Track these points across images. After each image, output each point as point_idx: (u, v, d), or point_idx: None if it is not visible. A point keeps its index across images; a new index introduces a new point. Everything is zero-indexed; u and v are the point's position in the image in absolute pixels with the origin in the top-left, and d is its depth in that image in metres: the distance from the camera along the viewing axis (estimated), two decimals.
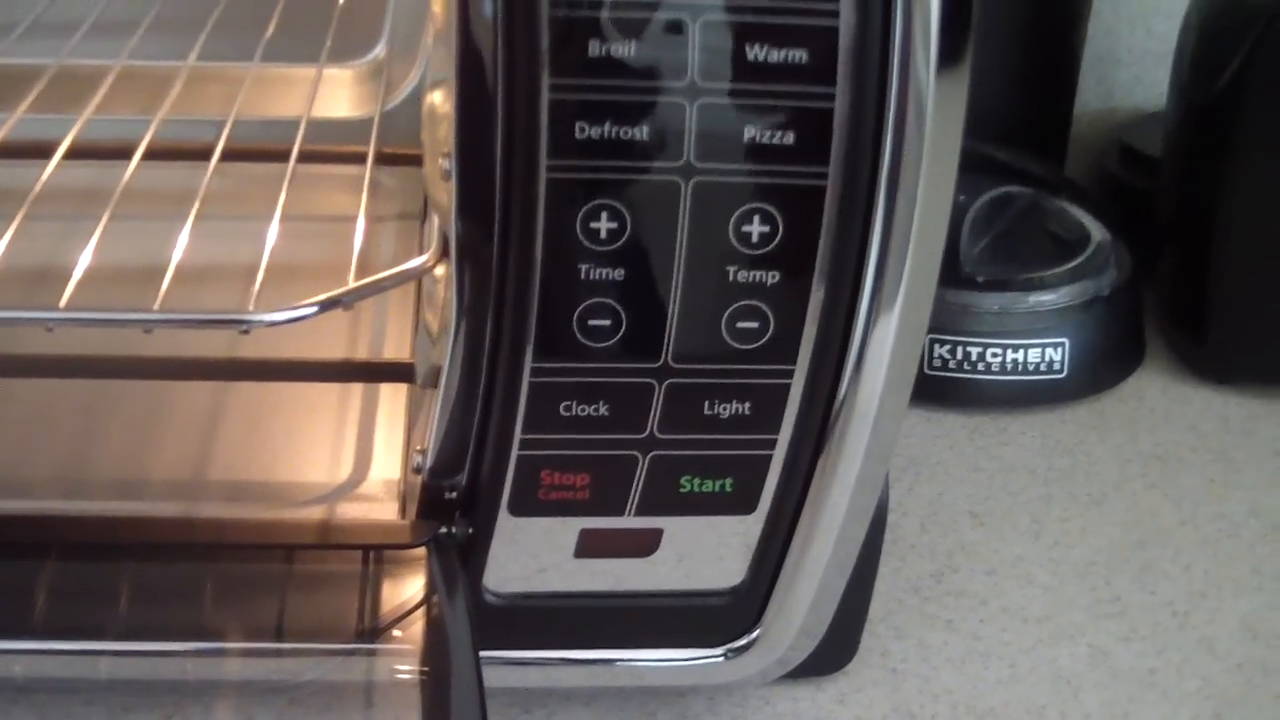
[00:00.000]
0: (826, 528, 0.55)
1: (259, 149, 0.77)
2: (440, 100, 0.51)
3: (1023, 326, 0.81)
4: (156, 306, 0.53)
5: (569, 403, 0.51)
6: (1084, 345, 0.83)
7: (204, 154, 0.74)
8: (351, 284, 0.53)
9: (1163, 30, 1.06)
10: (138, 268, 0.68)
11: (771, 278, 0.49)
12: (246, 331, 0.51)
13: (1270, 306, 0.83)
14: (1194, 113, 0.86)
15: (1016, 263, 0.83)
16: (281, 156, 0.74)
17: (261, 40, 0.84)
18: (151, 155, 0.74)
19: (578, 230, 0.48)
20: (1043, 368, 0.82)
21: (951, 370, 0.81)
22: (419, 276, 0.54)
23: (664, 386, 0.51)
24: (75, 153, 0.75)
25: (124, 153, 0.75)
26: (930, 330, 0.77)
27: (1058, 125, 1.01)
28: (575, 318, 0.49)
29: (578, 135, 0.47)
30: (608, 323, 0.49)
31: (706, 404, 0.51)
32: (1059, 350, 0.82)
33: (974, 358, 0.81)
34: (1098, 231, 0.87)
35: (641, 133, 0.47)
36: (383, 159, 0.77)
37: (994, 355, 0.81)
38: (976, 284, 0.80)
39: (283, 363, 0.63)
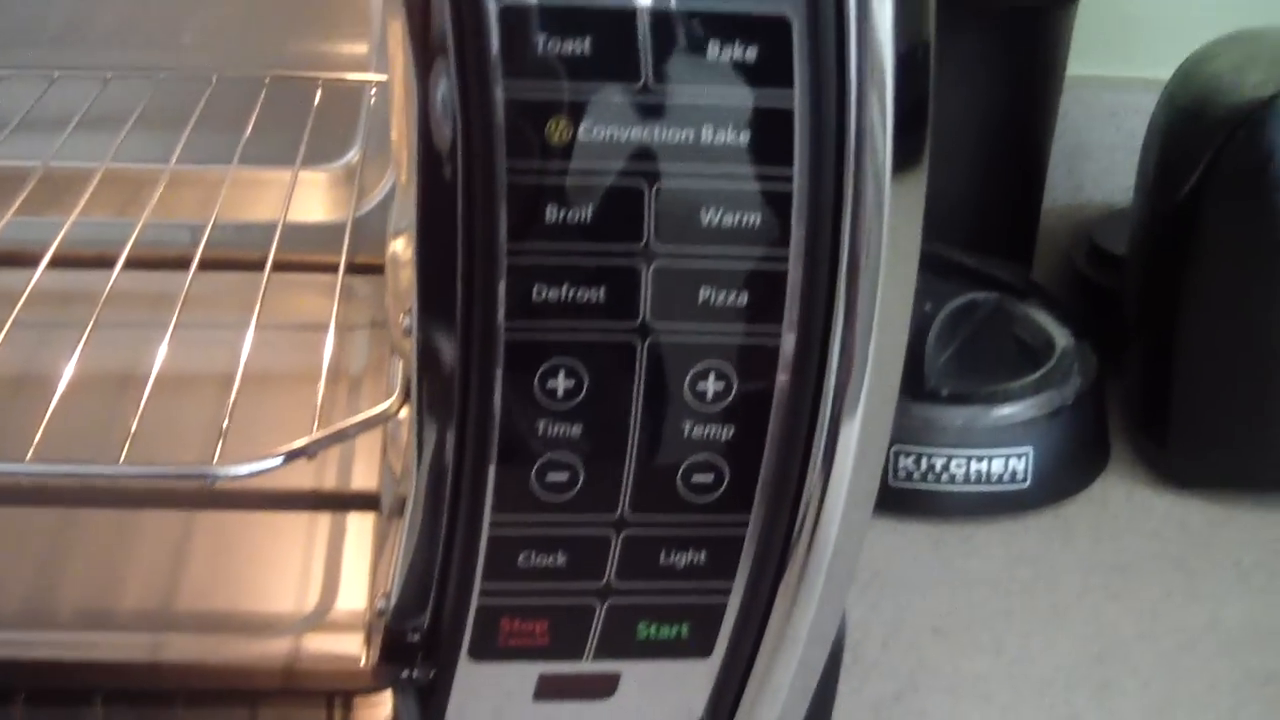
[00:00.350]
0: (786, 659, 0.56)
1: (234, 258, 0.78)
2: (403, 248, 0.52)
3: (987, 438, 0.82)
4: (122, 459, 0.53)
5: (528, 553, 0.51)
6: (1048, 454, 0.83)
7: (182, 262, 0.75)
8: (315, 435, 0.53)
9: (1131, 126, 1.07)
10: (116, 375, 0.69)
11: (726, 432, 0.50)
12: (211, 484, 0.52)
13: (1229, 412, 0.84)
14: (1157, 217, 0.87)
15: (981, 373, 0.84)
16: (256, 265, 0.74)
17: (240, 141, 0.84)
18: (131, 264, 0.75)
19: (535, 388, 0.48)
20: (1006, 478, 0.82)
21: (916, 481, 0.82)
22: (384, 422, 0.54)
23: (621, 537, 0.51)
24: (57, 260, 0.75)
25: (105, 260, 0.75)
26: (895, 441, 0.79)
27: (1026, 221, 1.02)
28: (534, 472, 0.50)
29: (535, 298, 0.47)
30: (565, 477, 0.50)
31: (663, 554, 0.52)
32: (1023, 460, 0.82)
33: (938, 469, 0.81)
34: (1062, 337, 0.88)
35: (598, 295, 0.47)
36: (354, 269, 0.78)
37: (958, 466, 0.82)
38: (941, 398, 0.81)
39: (250, 493, 0.63)
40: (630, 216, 0.47)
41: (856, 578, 0.53)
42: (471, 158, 0.45)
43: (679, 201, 0.47)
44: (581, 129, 0.45)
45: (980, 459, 0.82)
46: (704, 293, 0.48)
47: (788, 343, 0.49)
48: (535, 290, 0.47)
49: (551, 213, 0.46)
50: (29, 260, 0.77)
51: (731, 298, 0.48)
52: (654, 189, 0.46)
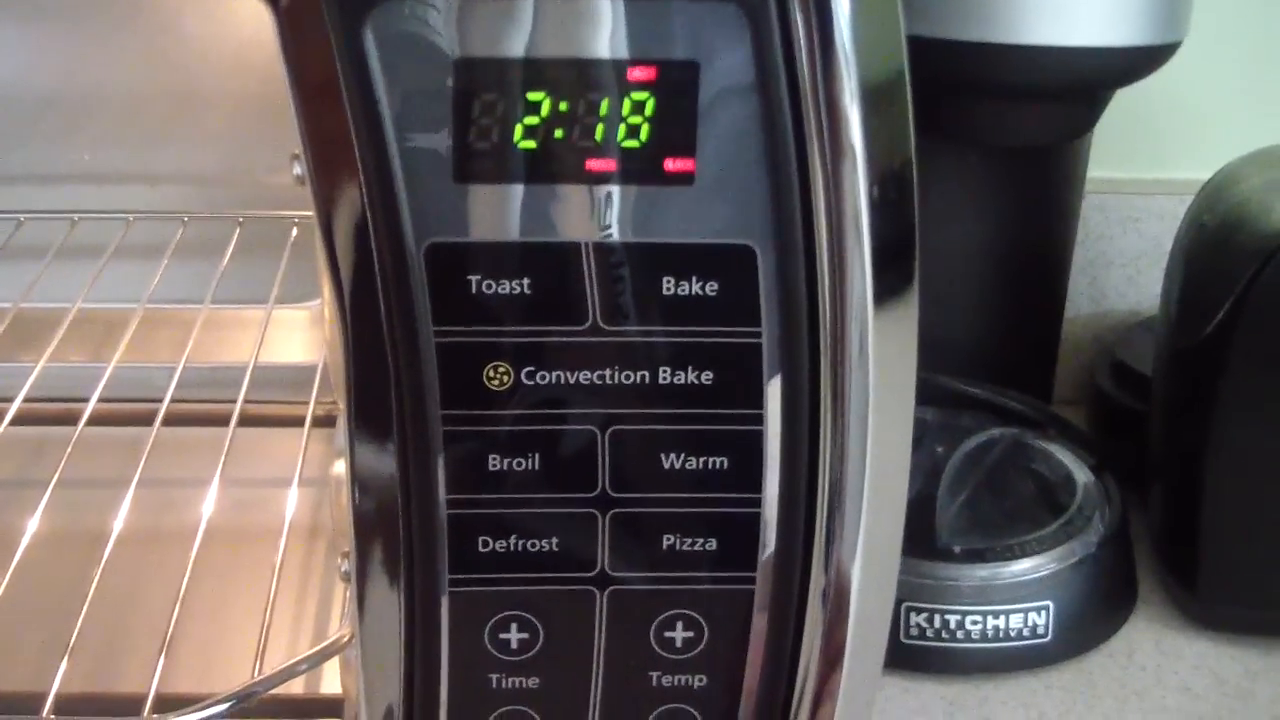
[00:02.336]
0: None
1: (200, 413, 0.74)
2: (343, 472, 0.47)
3: (1005, 595, 0.76)
4: (55, 684, 0.49)
5: None
6: (1071, 606, 0.78)
7: (148, 418, 0.71)
8: (261, 676, 0.49)
9: (1155, 231, 1.02)
10: (82, 534, 0.66)
11: (698, 680, 0.45)
12: None
13: (1263, 551, 0.79)
14: (1183, 349, 0.82)
15: (997, 522, 0.79)
16: (222, 420, 0.71)
17: (213, 280, 0.80)
18: (99, 418, 0.71)
19: (486, 641, 0.44)
20: (1026, 633, 0.77)
21: (929, 639, 0.77)
22: (336, 653, 0.50)
23: None
24: (28, 414, 0.72)
25: (72, 417, 0.72)
26: (906, 599, 0.74)
27: (1046, 345, 0.97)
28: None
29: (480, 549, 0.43)
30: None
31: None
32: (1043, 614, 0.77)
33: (952, 626, 0.76)
34: (1082, 474, 0.83)
35: (549, 545, 0.43)
36: (320, 422, 0.74)
37: (974, 623, 0.77)
38: (954, 555, 0.76)
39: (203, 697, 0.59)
40: (583, 463, 0.42)
41: None
42: (404, 404, 0.41)
43: (635, 445, 0.42)
44: (523, 374, 0.41)
45: (998, 615, 0.77)
46: (668, 540, 0.43)
47: (764, 582, 0.44)
48: (480, 543, 0.43)
49: (494, 461, 0.42)
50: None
51: (699, 544, 0.43)
52: (607, 434, 0.41)
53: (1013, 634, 0.76)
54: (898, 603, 0.74)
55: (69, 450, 0.70)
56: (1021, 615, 0.76)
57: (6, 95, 0.88)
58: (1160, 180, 1.02)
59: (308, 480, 0.73)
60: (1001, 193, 0.87)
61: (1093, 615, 0.79)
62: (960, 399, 0.85)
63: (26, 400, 0.74)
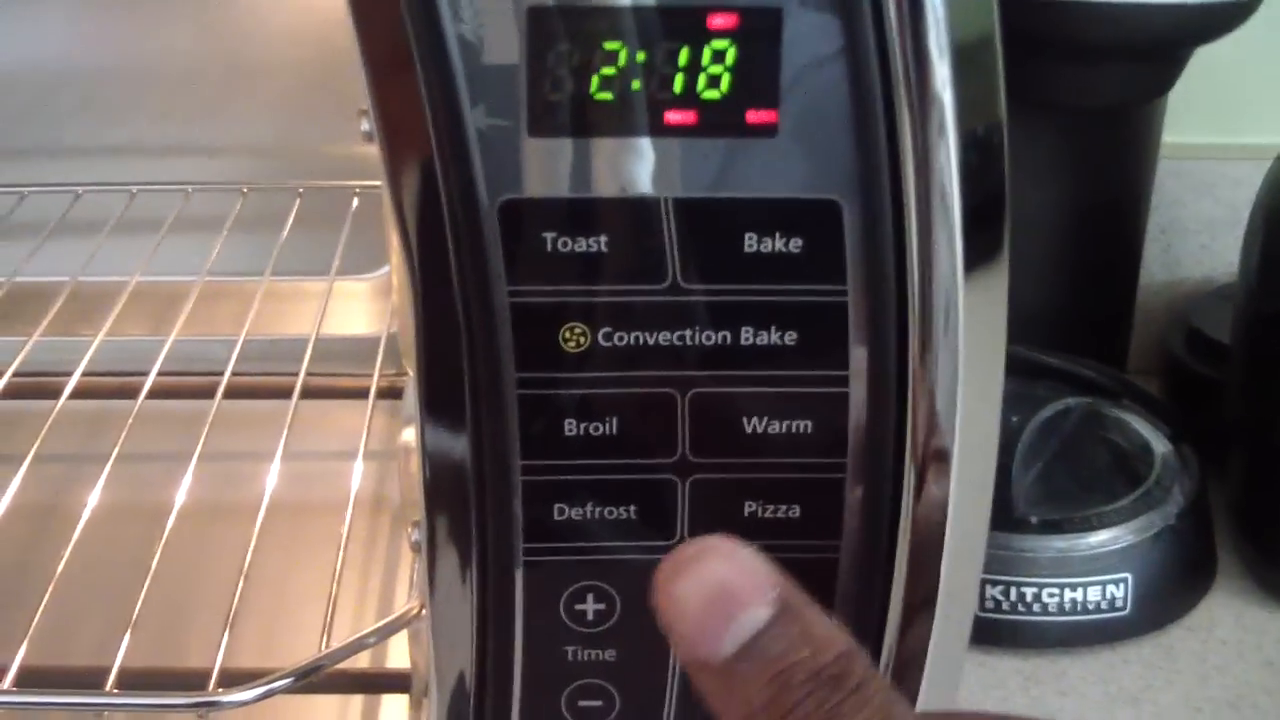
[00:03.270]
0: None
1: (261, 385, 0.73)
2: (413, 440, 0.46)
3: (1082, 567, 0.75)
4: (117, 665, 0.48)
5: None
6: (1149, 578, 0.76)
7: (209, 391, 0.70)
8: (329, 649, 0.47)
9: (1230, 197, 0.99)
10: (144, 509, 0.65)
11: None
12: (203, 716, 0.46)
13: None
14: (1263, 313, 0.79)
15: (1073, 492, 0.77)
16: (284, 393, 0.69)
17: (273, 252, 0.79)
18: (156, 394, 0.70)
19: (561, 612, 0.42)
20: (1104, 606, 0.76)
21: (1005, 612, 0.75)
22: (405, 626, 0.49)
23: None
24: (87, 387, 0.71)
25: (131, 390, 0.71)
26: (982, 572, 0.72)
27: (1120, 313, 0.94)
28: (563, 700, 0.44)
29: (556, 518, 0.41)
30: (599, 704, 0.44)
31: None
32: (1121, 586, 0.76)
33: (1029, 599, 0.75)
34: (1159, 443, 0.81)
35: (628, 513, 0.41)
36: (384, 394, 0.72)
37: (1050, 595, 0.75)
38: (1030, 526, 0.74)
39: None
40: (662, 427, 0.40)
41: None
42: (477, 368, 0.39)
43: (717, 409, 0.40)
44: (600, 335, 0.39)
45: (1075, 588, 0.75)
46: (750, 506, 0.41)
47: (848, 551, 0.43)
48: (556, 510, 0.41)
49: (570, 426, 0.40)
50: (57, 386, 0.74)
51: (782, 511, 0.41)
52: (687, 397, 0.40)
53: (1090, 607, 0.74)
54: None
55: (129, 424, 0.69)
56: (1099, 588, 0.74)
57: (63, 69, 0.87)
58: (1236, 145, 0.99)
59: (371, 453, 0.72)
60: (1076, 158, 0.85)
61: (1172, 588, 0.77)
62: (1034, 368, 0.83)
63: (85, 374, 0.73)
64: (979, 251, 0.40)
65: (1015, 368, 0.82)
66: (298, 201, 0.82)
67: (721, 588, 0.31)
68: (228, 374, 0.72)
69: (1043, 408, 0.80)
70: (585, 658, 0.43)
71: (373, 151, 0.39)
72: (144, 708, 0.50)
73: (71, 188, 0.84)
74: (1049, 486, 0.77)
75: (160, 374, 0.73)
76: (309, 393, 0.72)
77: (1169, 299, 1.02)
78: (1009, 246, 0.41)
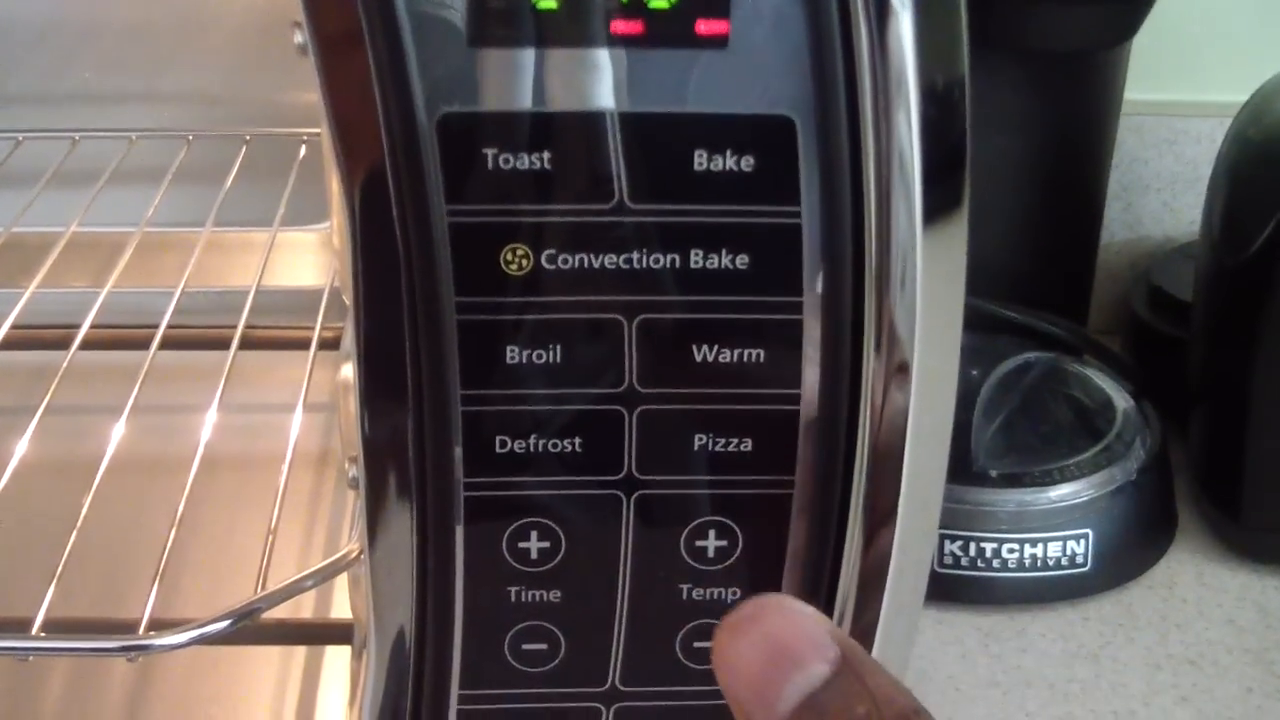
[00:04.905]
0: None
1: (200, 337, 0.71)
2: (352, 376, 0.44)
3: (1042, 522, 0.73)
4: (42, 613, 0.46)
5: None
6: (1110, 535, 0.75)
7: (146, 343, 0.68)
8: (264, 591, 0.46)
9: (1192, 154, 0.98)
10: (77, 462, 0.63)
11: (732, 594, 0.42)
12: (134, 659, 0.44)
13: None
14: (1226, 269, 0.78)
15: (1034, 447, 0.76)
16: (224, 345, 0.67)
17: (216, 202, 0.77)
18: (90, 345, 0.68)
19: (504, 550, 0.41)
20: (1064, 562, 0.74)
21: (964, 568, 0.74)
22: (345, 569, 0.47)
23: (612, 711, 0.44)
24: (13, 343, 0.69)
25: (63, 342, 0.69)
26: (941, 526, 0.70)
27: (1081, 268, 0.93)
28: (507, 642, 0.42)
29: (498, 450, 0.39)
30: (544, 646, 0.42)
31: None
32: (1082, 542, 0.74)
33: (988, 554, 0.73)
34: (1121, 399, 0.80)
35: (573, 446, 0.39)
36: (327, 345, 0.71)
37: (1010, 551, 0.73)
38: (990, 480, 0.73)
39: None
40: (608, 355, 0.39)
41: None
42: (415, 293, 0.37)
43: (665, 336, 0.38)
44: (544, 257, 0.37)
45: (1035, 543, 0.74)
46: (700, 440, 0.40)
47: (803, 485, 0.41)
48: (498, 441, 0.39)
49: (512, 353, 0.38)
50: None
51: (734, 444, 0.40)
52: (634, 323, 0.38)
53: (1051, 563, 0.73)
54: None
55: (60, 375, 0.67)
56: (1060, 543, 0.73)
57: (7, 17, 0.85)
58: (1198, 102, 0.98)
59: (315, 405, 0.70)
60: (1038, 108, 0.84)
61: (1133, 544, 0.76)
62: (995, 322, 0.82)
63: (20, 326, 0.71)
64: (939, 180, 0.39)
65: (976, 321, 0.81)
66: (244, 149, 0.80)
67: (779, 646, 0.29)
68: (163, 325, 0.70)
69: (1003, 362, 0.79)
70: (529, 599, 0.42)
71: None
72: (71, 652, 0.48)
73: (11, 134, 0.81)
74: (1009, 440, 0.76)
75: (96, 326, 0.71)
76: (249, 344, 0.70)
77: (1131, 257, 1.01)
78: (970, 169, 0.39)
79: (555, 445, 0.40)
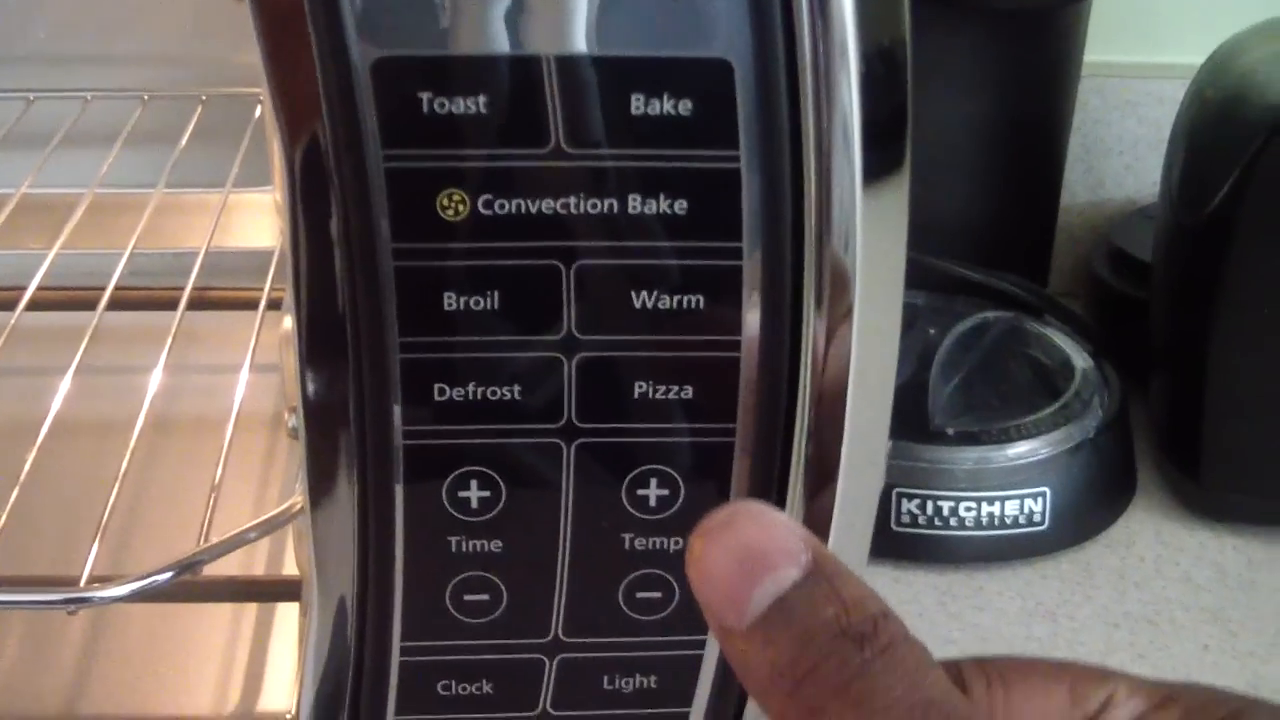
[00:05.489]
0: None
1: (148, 299, 0.70)
2: (292, 328, 0.44)
3: (1000, 480, 0.73)
4: None
5: (447, 681, 0.44)
6: (1068, 493, 0.75)
7: (92, 304, 0.67)
8: (206, 544, 0.45)
9: (1155, 116, 0.98)
10: (19, 423, 0.62)
11: (674, 544, 0.42)
12: (74, 612, 0.44)
13: (1268, 439, 0.76)
14: (1185, 227, 0.78)
15: (992, 405, 0.76)
16: (172, 305, 0.67)
17: (168, 163, 0.76)
18: (35, 307, 0.67)
19: (444, 499, 0.40)
20: (1022, 520, 0.74)
21: (921, 527, 0.74)
22: (289, 521, 0.46)
23: (555, 662, 0.44)
24: None
25: (11, 304, 0.68)
26: (898, 485, 0.70)
27: (1042, 229, 0.93)
28: (448, 592, 0.42)
29: (436, 398, 0.39)
30: (486, 597, 0.42)
31: (606, 679, 0.44)
32: (1039, 501, 0.74)
33: (945, 513, 0.73)
34: (1081, 358, 0.80)
35: (512, 393, 0.39)
36: (275, 305, 0.70)
37: (968, 510, 0.73)
38: (947, 438, 0.73)
39: None
40: (546, 302, 0.38)
41: None
42: (351, 239, 0.37)
43: (604, 282, 0.38)
44: (480, 202, 0.37)
45: (992, 502, 0.74)
46: (640, 387, 0.39)
47: (744, 434, 0.41)
48: (436, 390, 0.39)
49: (450, 301, 0.38)
50: None
51: (674, 391, 0.40)
52: (572, 269, 0.38)
53: (1008, 521, 0.73)
54: (888, 488, 0.71)
55: (5, 335, 0.66)
56: (1017, 502, 0.73)
57: None
58: (1159, 65, 0.98)
59: (267, 366, 0.69)
60: (998, 68, 0.84)
61: (1091, 503, 0.76)
62: (953, 282, 0.82)
63: None
64: (881, 140, 0.39)
65: (935, 281, 0.81)
66: (199, 110, 0.79)
67: (751, 551, 0.30)
68: (111, 285, 0.69)
69: (962, 321, 0.79)
70: (470, 549, 0.42)
71: None
72: (12, 605, 0.47)
73: None
74: (967, 399, 0.76)
75: (44, 287, 0.70)
76: (199, 305, 0.70)
77: (1092, 220, 1.01)
78: (911, 128, 0.39)
79: (494, 393, 0.40)
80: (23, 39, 0.85)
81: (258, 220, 0.82)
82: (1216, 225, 0.75)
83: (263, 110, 0.80)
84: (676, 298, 0.39)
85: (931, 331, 0.79)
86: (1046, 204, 0.93)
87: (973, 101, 0.86)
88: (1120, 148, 1.01)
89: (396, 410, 0.40)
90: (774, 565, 0.30)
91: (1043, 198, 0.93)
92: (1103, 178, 1.02)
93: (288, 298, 0.46)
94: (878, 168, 0.39)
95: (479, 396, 0.40)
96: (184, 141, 0.77)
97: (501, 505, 0.41)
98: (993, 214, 0.90)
